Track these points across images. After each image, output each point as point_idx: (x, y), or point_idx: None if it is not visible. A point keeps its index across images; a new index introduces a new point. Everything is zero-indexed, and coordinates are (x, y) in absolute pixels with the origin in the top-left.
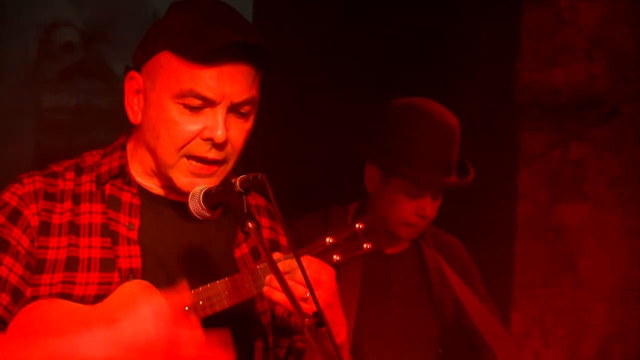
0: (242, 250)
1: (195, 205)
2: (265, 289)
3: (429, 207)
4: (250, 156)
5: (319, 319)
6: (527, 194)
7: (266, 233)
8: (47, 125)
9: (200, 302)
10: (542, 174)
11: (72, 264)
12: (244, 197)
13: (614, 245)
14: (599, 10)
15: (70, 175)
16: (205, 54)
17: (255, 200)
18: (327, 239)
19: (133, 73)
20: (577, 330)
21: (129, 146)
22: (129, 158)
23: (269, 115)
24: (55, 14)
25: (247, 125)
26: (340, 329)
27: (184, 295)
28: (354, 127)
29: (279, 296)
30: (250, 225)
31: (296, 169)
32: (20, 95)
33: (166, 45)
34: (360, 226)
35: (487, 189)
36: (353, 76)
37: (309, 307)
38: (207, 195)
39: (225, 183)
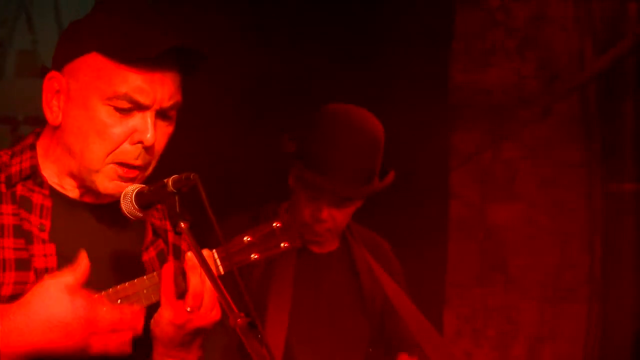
0: (149, 254)
1: (127, 205)
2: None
3: (325, 212)
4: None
5: (251, 319)
6: (459, 194)
7: (170, 237)
8: None
9: (119, 301)
10: (474, 174)
11: None
12: (176, 197)
13: (545, 246)
14: (530, 11)
15: None
16: (141, 60)
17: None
18: (245, 238)
19: (54, 73)
20: (508, 329)
21: (40, 146)
22: (40, 158)
23: (200, 114)
24: None
25: (170, 128)
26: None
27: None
28: (285, 124)
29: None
30: (182, 225)
31: (230, 166)
32: None
33: (96, 46)
34: (278, 225)
35: (419, 189)
36: (284, 72)
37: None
38: (140, 195)
39: (158, 183)
